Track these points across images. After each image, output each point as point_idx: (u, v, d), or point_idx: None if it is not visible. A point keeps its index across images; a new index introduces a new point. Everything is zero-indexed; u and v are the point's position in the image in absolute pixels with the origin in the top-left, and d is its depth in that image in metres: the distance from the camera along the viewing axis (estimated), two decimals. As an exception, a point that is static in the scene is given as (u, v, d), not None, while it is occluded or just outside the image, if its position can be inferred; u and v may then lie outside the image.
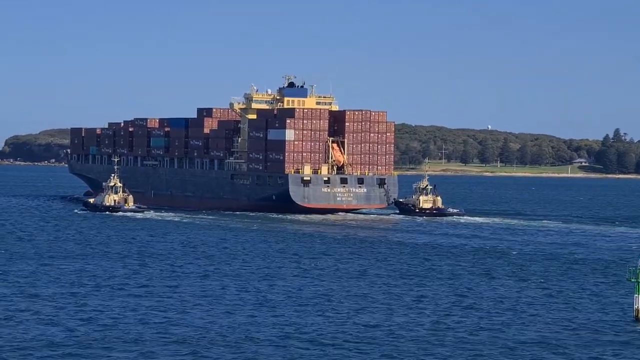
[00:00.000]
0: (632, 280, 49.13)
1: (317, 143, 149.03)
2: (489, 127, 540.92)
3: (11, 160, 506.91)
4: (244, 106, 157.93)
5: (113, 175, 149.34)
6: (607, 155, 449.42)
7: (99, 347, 34.08)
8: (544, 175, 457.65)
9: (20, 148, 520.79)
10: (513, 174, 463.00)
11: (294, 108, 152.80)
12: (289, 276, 68.36)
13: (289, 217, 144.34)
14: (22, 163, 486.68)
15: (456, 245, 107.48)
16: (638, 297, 48.01)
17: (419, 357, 33.99)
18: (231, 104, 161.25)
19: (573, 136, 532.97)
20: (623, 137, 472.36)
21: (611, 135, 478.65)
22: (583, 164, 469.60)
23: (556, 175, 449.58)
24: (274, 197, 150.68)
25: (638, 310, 47.74)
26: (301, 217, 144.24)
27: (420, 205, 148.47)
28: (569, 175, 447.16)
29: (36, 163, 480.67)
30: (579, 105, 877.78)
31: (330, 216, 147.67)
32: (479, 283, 68.44)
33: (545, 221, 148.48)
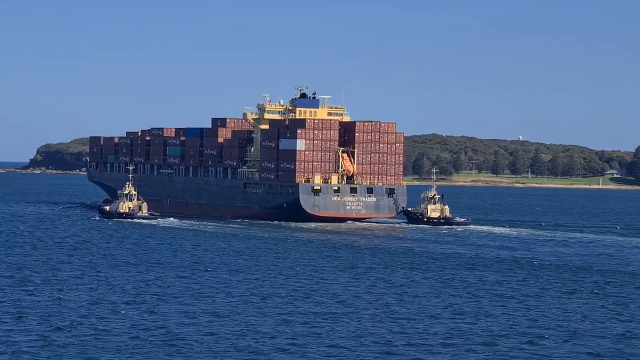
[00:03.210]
0: None
1: (328, 153, 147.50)
2: (520, 137, 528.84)
3: (43, 168, 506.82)
4: (256, 116, 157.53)
5: (128, 183, 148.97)
6: (639, 166, 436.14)
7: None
8: (575, 186, 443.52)
9: (52, 157, 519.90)
10: (544, 185, 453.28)
11: (305, 119, 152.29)
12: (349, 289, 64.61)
13: (303, 225, 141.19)
14: (54, 171, 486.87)
15: (476, 255, 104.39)
16: None
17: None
18: (244, 115, 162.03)
19: (605, 147, 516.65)
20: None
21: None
22: (615, 175, 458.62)
23: (587, 186, 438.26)
24: (285, 205, 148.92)
25: None
26: (317, 225, 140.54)
27: (428, 214, 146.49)
28: (601, 186, 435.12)
29: (67, 172, 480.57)
30: (611, 116, 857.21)
31: (343, 225, 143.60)
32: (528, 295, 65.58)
33: (560, 232, 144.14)
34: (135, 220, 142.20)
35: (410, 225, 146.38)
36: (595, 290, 69.73)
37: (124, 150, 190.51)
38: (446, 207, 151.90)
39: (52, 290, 64.19)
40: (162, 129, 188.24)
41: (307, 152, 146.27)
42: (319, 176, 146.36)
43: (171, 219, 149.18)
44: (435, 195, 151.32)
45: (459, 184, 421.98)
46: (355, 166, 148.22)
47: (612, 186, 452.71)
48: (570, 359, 36.78)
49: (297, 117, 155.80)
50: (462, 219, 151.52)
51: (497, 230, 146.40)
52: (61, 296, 59.43)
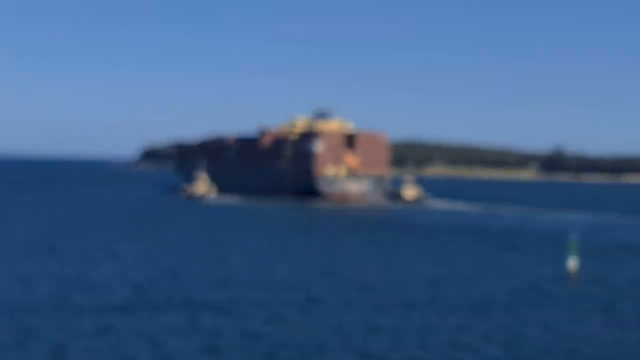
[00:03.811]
0: (570, 248, 53.12)
1: (337, 153, 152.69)
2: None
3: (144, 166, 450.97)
4: (290, 127, 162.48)
5: (202, 174, 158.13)
6: (554, 163, 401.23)
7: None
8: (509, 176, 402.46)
9: (152, 155, 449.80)
10: (485, 175, 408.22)
11: (321, 130, 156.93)
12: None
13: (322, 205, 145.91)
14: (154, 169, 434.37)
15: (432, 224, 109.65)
16: (570, 261, 52.68)
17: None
18: (281, 126, 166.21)
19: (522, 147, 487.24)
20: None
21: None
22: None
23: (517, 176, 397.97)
24: (307, 189, 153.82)
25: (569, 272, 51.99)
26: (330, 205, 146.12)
27: (405, 194, 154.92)
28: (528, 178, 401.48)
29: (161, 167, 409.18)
30: (529, 117, 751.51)
31: (350, 203, 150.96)
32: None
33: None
34: (207, 200, 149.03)
35: (392, 202, 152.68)
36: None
37: (198, 150, 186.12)
38: (416, 189, 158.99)
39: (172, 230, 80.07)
40: (224, 136, 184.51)
41: (322, 153, 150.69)
42: (331, 169, 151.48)
43: (231, 199, 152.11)
44: (411, 180, 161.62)
45: (429, 174, 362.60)
46: (354, 161, 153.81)
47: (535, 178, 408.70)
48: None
49: (316, 129, 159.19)
50: (431, 200, 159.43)
51: (452, 206, 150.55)
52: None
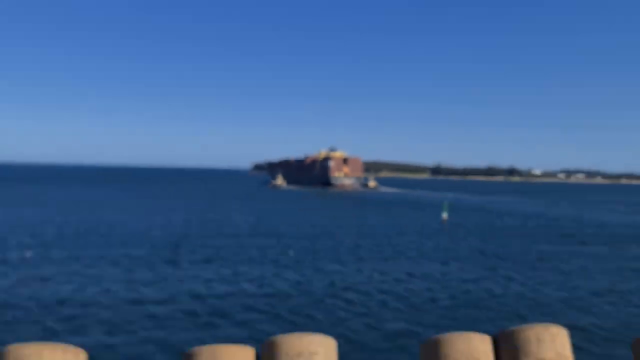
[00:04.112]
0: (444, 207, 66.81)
1: (339, 166, 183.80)
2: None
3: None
4: (318, 154, 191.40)
5: (279, 175, 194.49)
6: None
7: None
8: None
9: (258, 167, 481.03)
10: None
11: (332, 156, 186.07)
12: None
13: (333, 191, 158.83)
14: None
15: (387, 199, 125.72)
16: (443, 214, 63.30)
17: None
18: (314, 154, 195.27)
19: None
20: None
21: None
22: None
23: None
24: (326, 182, 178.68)
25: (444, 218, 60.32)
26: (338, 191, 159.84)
27: (369, 185, 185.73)
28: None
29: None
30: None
31: (345, 190, 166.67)
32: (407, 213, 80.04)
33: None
34: (281, 188, 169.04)
35: (363, 188, 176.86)
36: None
37: (278, 165, 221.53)
38: (375, 182, 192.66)
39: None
40: (288, 158, 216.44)
41: (333, 166, 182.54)
42: (337, 173, 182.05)
43: (292, 187, 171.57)
44: (374, 178, 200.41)
45: (381, 176, 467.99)
46: (348, 170, 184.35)
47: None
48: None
49: (330, 155, 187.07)
50: (383, 188, 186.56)
51: (390, 190, 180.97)
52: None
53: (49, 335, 21.19)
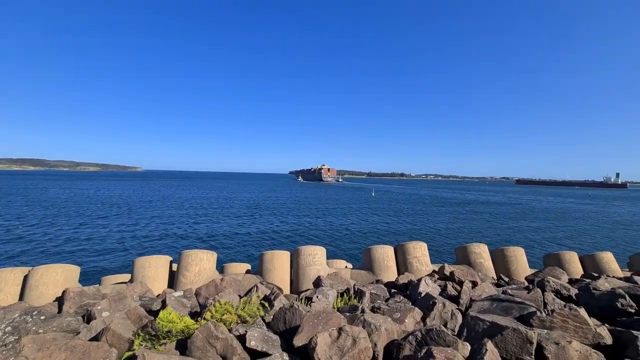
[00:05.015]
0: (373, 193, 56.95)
1: (327, 172, 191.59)
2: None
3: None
4: (320, 166, 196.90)
5: (300, 177, 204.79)
6: None
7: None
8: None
9: (292, 173, 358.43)
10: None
11: (323, 167, 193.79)
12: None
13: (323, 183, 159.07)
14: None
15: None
16: (372, 192, 55.21)
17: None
18: (317, 166, 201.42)
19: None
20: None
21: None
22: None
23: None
24: (320, 179, 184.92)
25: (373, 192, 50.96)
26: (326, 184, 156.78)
27: (339, 180, 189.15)
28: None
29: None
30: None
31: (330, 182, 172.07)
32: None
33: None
34: (300, 182, 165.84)
35: (337, 182, 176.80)
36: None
37: (299, 170, 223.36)
38: (342, 179, 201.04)
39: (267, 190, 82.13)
40: (305, 168, 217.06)
41: (323, 172, 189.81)
42: (326, 175, 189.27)
43: (306, 183, 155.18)
44: (341, 177, 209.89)
45: (346, 176, 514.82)
46: (329, 174, 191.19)
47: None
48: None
49: (321, 167, 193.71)
50: (344, 181, 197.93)
51: (349, 183, 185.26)
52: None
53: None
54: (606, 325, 4.22)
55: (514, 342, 3.68)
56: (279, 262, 7.06)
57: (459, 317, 4.60)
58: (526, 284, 6.36)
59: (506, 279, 6.83)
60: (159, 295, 6.19)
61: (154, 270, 6.49)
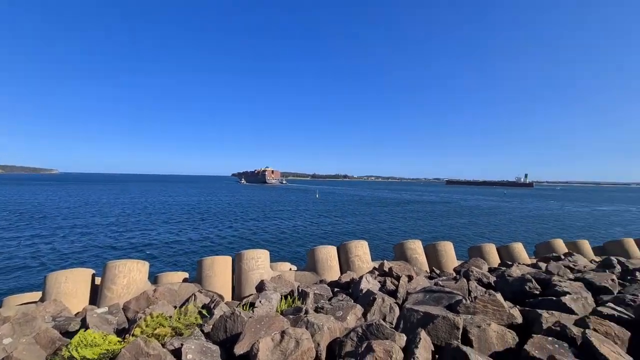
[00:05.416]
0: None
1: (270, 174, 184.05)
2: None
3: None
4: (263, 168, 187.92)
5: (243, 179, 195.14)
6: None
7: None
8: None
9: (235, 175, 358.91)
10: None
11: (267, 169, 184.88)
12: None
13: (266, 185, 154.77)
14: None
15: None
16: (317, 194, 55.30)
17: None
18: (261, 168, 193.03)
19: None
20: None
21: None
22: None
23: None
24: (264, 181, 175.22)
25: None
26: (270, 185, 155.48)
27: (283, 182, 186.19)
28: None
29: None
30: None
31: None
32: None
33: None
34: (243, 184, 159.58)
35: (280, 184, 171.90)
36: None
37: (241, 173, 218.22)
38: (285, 181, 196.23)
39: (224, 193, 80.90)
40: (249, 170, 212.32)
41: (268, 174, 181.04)
42: (271, 176, 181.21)
43: (249, 185, 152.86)
44: (285, 179, 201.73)
45: (289, 178, 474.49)
46: (273, 176, 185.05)
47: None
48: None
49: (265, 169, 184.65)
50: (287, 183, 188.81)
51: (293, 185, 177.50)
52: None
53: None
54: (518, 306, 4.71)
55: (444, 329, 4.04)
56: (219, 268, 6.84)
57: (397, 310, 4.83)
58: (454, 274, 6.98)
59: (437, 271, 7.39)
60: (77, 313, 5.66)
61: (71, 285, 5.87)
